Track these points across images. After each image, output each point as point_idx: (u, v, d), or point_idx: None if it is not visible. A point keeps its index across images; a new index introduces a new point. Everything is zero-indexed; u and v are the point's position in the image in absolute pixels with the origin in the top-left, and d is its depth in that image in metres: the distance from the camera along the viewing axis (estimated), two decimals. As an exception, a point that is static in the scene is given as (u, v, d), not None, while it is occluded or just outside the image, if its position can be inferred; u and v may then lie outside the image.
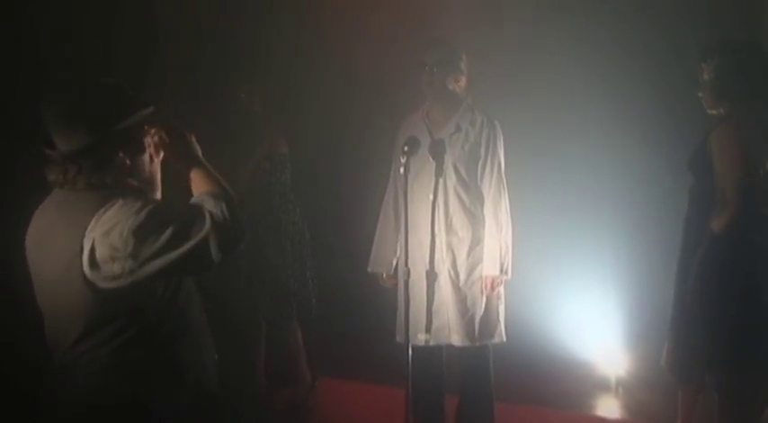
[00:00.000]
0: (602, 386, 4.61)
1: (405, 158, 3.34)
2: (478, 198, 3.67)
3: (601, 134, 4.58)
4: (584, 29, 4.47)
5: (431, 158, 3.61)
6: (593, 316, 4.73)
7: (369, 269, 3.88)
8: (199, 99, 4.35)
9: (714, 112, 3.28)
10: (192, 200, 2.21)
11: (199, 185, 2.26)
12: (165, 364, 2.21)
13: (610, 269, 4.62)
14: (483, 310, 3.67)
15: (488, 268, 3.64)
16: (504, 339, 3.75)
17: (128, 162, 2.21)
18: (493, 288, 3.66)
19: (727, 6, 4.22)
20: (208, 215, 2.10)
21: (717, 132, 3.18)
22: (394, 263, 3.81)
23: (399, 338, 3.66)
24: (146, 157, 2.27)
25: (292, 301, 4.20)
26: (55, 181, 2.18)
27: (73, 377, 2.16)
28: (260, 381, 4.34)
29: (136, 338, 2.16)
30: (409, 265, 3.40)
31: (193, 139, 2.35)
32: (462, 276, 3.66)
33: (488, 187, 3.65)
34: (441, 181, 3.61)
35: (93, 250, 2.07)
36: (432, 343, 3.67)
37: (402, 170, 3.35)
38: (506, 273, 3.65)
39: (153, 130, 2.29)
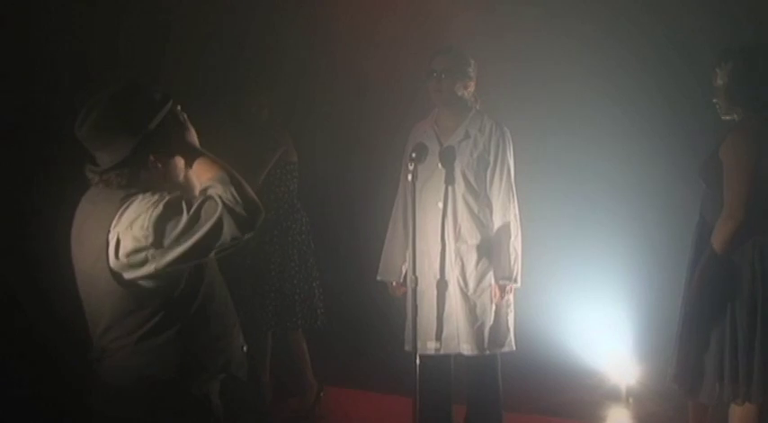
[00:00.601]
0: (613, 396, 4.58)
1: (412, 166, 3.32)
2: (488, 205, 3.65)
3: (612, 141, 4.55)
4: (594, 36, 4.45)
5: (440, 166, 3.60)
6: (604, 325, 4.71)
7: (378, 277, 3.87)
8: (208, 107, 4.35)
9: (728, 117, 3.24)
10: (202, 186, 2.26)
11: (204, 173, 2.29)
12: (193, 349, 2.31)
13: (621, 277, 4.59)
14: (493, 318, 3.65)
15: (498, 276, 3.62)
16: (514, 348, 3.72)
17: (159, 165, 2.28)
18: (502, 296, 3.64)
19: (740, 10, 4.18)
20: (218, 199, 2.16)
21: (729, 139, 3.14)
22: (403, 271, 3.79)
23: (408, 347, 3.62)
24: (177, 159, 2.34)
25: (298, 310, 4.18)
26: (91, 180, 2.30)
27: (105, 362, 2.30)
28: (265, 392, 4.31)
29: (163, 324, 2.25)
30: (417, 274, 3.38)
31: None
32: (472, 284, 3.64)
33: (497, 194, 3.63)
34: (450, 188, 3.60)
35: (117, 244, 2.18)
36: (442, 352, 3.65)
37: (410, 177, 3.33)
38: (516, 281, 3.63)
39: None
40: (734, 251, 3.12)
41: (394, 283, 3.83)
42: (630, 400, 4.54)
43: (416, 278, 3.37)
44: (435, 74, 3.62)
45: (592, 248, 4.66)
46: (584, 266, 4.70)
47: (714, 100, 3.25)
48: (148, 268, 2.18)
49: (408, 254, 3.60)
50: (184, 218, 2.14)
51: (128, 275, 2.20)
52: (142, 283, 2.21)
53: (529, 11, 4.55)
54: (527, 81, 4.58)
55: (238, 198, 2.16)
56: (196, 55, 4.49)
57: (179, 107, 2.35)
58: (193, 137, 2.36)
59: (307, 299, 4.21)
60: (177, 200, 2.19)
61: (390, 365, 3.88)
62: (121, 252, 2.18)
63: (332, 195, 5.06)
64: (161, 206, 2.16)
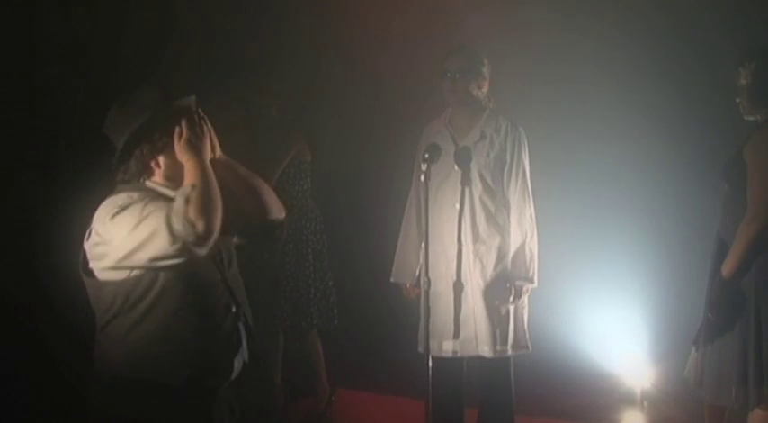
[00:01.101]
0: (627, 399, 4.53)
1: (425, 166, 3.30)
2: (504, 206, 3.63)
3: (629, 141, 4.51)
4: (611, 34, 4.40)
5: (456, 167, 3.58)
6: (619, 326, 4.66)
7: (391, 279, 3.85)
8: (218, 106, 4.33)
9: (751, 118, 3.20)
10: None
11: (185, 180, 2.30)
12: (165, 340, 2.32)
13: (636, 278, 4.54)
14: (511, 319, 3.63)
15: (515, 277, 3.60)
16: (530, 349, 3.70)
17: (153, 164, 2.36)
18: (519, 297, 3.62)
19: (758, 10, 4.13)
20: (161, 213, 2.19)
21: (754, 139, 3.10)
22: (417, 273, 3.76)
23: (421, 349, 3.59)
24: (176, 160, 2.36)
25: (313, 310, 4.15)
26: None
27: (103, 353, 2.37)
28: (277, 394, 4.28)
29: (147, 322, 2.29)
30: (432, 275, 3.35)
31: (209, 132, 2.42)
32: (491, 286, 3.61)
33: (514, 195, 3.62)
34: (467, 189, 3.57)
35: (89, 240, 2.29)
36: (459, 354, 3.63)
37: (423, 178, 3.30)
38: (533, 280, 3.61)
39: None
40: (757, 254, 3.06)
41: (408, 285, 3.81)
42: (645, 403, 4.49)
43: (429, 280, 3.33)
44: (449, 74, 3.59)
45: (606, 248, 4.63)
46: (599, 266, 4.66)
47: (737, 100, 3.21)
48: (106, 262, 2.24)
49: (422, 255, 3.57)
50: (132, 224, 2.19)
51: (91, 265, 2.29)
52: (108, 274, 2.26)
53: (543, 9, 4.51)
54: (540, 79, 4.54)
55: (188, 215, 2.15)
56: (206, 53, 4.46)
57: (196, 109, 2.37)
58: (199, 140, 2.34)
59: (322, 298, 4.18)
60: (141, 201, 2.24)
61: (403, 367, 3.86)
62: (90, 247, 2.29)
63: (343, 195, 5.04)
64: (123, 205, 2.23)
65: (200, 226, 2.15)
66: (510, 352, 3.64)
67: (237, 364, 2.46)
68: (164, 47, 4.24)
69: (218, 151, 2.44)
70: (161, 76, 3.93)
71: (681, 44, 4.39)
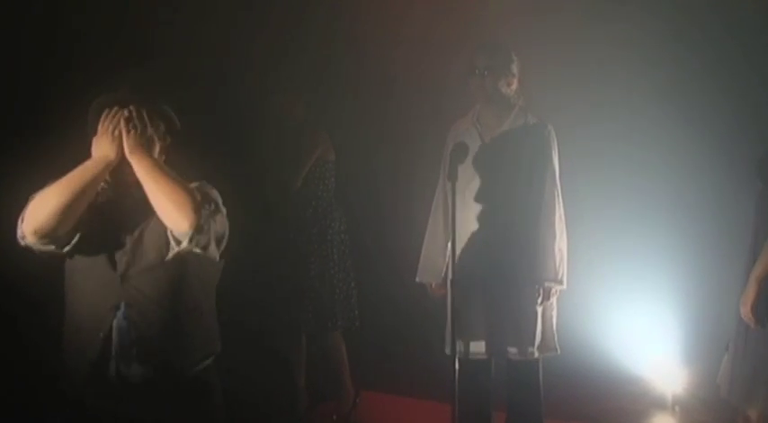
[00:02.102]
0: (658, 404, 4.47)
1: (452, 165, 3.26)
2: (533, 206, 3.57)
3: (661, 138, 4.44)
4: (646, 23, 4.31)
5: (483, 166, 3.53)
6: (649, 328, 4.60)
7: (417, 279, 3.81)
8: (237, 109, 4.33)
9: None
10: None
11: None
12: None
13: (667, 277, 4.46)
14: (540, 321, 3.58)
15: (543, 278, 3.54)
16: (559, 352, 3.65)
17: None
18: (548, 299, 3.56)
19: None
20: None
21: None
22: (443, 273, 3.72)
23: (449, 351, 3.54)
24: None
25: (338, 311, 4.13)
26: None
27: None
28: (301, 397, 4.27)
29: None
30: (457, 276, 3.29)
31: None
32: (520, 287, 3.57)
33: (542, 194, 3.56)
34: (494, 189, 3.53)
35: None
36: (487, 356, 3.59)
37: (449, 177, 3.27)
38: (562, 282, 3.56)
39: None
40: None
41: (433, 285, 3.77)
42: (677, 408, 4.43)
43: (456, 280, 3.27)
44: (478, 70, 3.55)
45: (637, 247, 4.57)
46: (629, 266, 4.60)
47: None
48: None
49: (448, 255, 3.55)
50: None
51: None
52: None
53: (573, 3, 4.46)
54: (570, 73, 4.47)
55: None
56: (221, 55, 4.44)
57: (119, 111, 2.34)
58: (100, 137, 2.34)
59: (345, 299, 4.16)
60: None
61: (428, 369, 3.81)
62: None
63: (364, 194, 5.00)
64: None
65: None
66: (538, 354, 3.59)
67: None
68: (173, 49, 4.21)
69: (139, 151, 2.34)
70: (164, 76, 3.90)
71: (722, 34, 4.27)
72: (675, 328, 4.53)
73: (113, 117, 2.32)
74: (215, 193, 2.43)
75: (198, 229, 2.24)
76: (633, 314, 4.62)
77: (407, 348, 4.87)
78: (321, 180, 4.11)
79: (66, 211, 2.26)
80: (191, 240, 2.26)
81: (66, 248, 2.33)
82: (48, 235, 2.28)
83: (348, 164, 4.34)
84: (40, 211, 2.26)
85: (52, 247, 2.32)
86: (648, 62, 4.40)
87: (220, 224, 2.36)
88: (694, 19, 4.31)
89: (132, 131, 2.32)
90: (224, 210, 2.42)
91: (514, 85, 3.60)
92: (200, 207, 2.25)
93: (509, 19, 4.24)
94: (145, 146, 2.33)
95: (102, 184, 2.36)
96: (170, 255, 2.34)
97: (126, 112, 2.32)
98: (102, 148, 2.32)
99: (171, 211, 2.25)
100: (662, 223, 4.50)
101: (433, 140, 3.77)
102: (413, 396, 4.54)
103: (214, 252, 2.36)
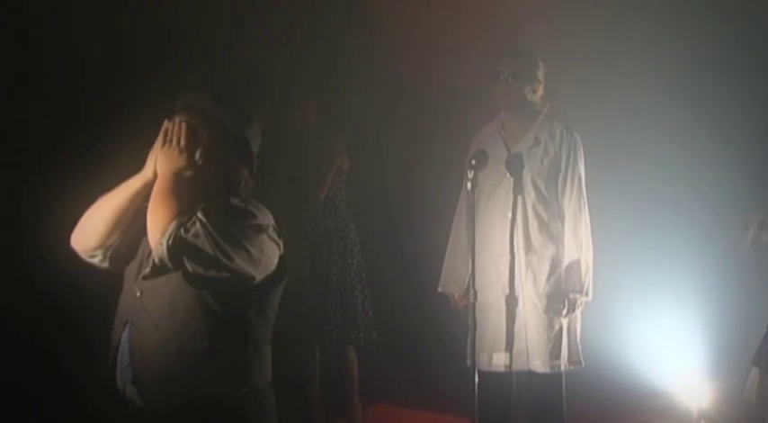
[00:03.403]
0: (683, 420, 4.36)
1: (472, 173, 3.15)
2: (558, 215, 3.53)
3: (687, 145, 4.37)
4: (673, 25, 4.27)
5: (508, 174, 3.46)
6: (675, 341, 4.51)
7: (439, 289, 3.75)
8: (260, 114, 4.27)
9: None
10: None
11: None
12: None
13: (693, 287, 4.39)
14: (564, 333, 3.51)
15: (569, 289, 3.48)
16: (583, 364, 3.58)
17: None
18: (573, 310, 3.50)
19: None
20: None
21: None
22: (466, 283, 3.64)
23: (470, 363, 3.45)
24: None
25: (360, 323, 4.08)
26: None
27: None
28: (315, 412, 4.20)
29: None
30: (479, 286, 3.22)
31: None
32: (544, 298, 3.50)
33: (568, 203, 3.50)
34: (519, 198, 3.46)
35: None
36: (511, 368, 3.51)
37: (469, 186, 3.14)
38: (587, 293, 3.49)
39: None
40: None
41: (456, 296, 3.71)
42: (703, 423, 4.36)
43: (476, 291, 3.18)
44: (502, 77, 3.50)
45: (662, 257, 4.54)
46: (654, 277, 4.56)
47: None
48: None
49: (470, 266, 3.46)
50: None
51: None
52: None
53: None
54: (596, 77, 4.42)
55: None
56: (237, 60, 4.41)
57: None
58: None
59: (364, 310, 4.11)
60: None
61: (445, 382, 3.72)
62: None
63: (377, 204, 4.95)
64: None
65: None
66: (563, 367, 3.52)
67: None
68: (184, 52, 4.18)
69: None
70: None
71: (751, 36, 4.23)
72: (701, 340, 4.45)
73: (165, 133, 2.27)
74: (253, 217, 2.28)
75: (159, 246, 2.15)
76: (657, 326, 4.55)
77: (422, 360, 4.82)
78: (339, 190, 4.11)
79: (104, 227, 2.30)
80: (157, 254, 2.17)
81: (104, 263, 2.37)
82: (86, 250, 2.35)
83: (359, 171, 4.30)
84: (82, 226, 2.33)
85: (96, 261, 2.37)
86: (678, 67, 4.36)
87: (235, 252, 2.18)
88: (723, 21, 4.28)
89: (168, 146, 2.25)
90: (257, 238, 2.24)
91: (540, 92, 3.55)
92: (166, 226, 2.14)
93: (537, 22, 4.22)
94: (175, 161, 2.25)
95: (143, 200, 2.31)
96: (146, 270, 2.26)
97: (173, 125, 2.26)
98: (148, 163, 2.30)
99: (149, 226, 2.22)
100: (689, 233, 4.46)
101: (462, 147, 3.70)
102: (430, 409, 4.47)
103: (200, 272, 2.18)
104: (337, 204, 4.09)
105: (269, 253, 2.26)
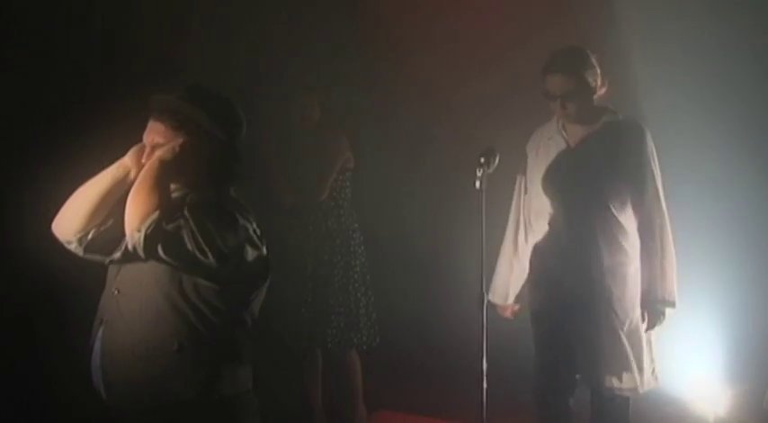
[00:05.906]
0: (699, 427, 4.37)
1: (480, 171, 2.95)
2: (628, 217, 3.28)
3: (715, 144, 4.26)
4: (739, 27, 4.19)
5: (570, 175, 3.29)
6: (690, 345, 4.43)
7: (488, 298, 3.52)
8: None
9: None
10: None
11: None
12: None
13: (710, 289, 4.27)
14: (645, 349, 3.38)
15: (649, 300, 3.29)
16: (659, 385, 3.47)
17: None
18: (654, 324, 3.32)
19: None
20: None
21: None
22: (517, 291, 3.55)
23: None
24: None
25: (362, 326, 4.04)
26: None
27: None
28: (318, 418, 4.16)
29: None
30: (535, 298, 3.28)
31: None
32: (621, 311, 3.30)
33: (641, 203, 3.26)
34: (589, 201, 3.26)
35: None
36: (573, 387, 3.43)
37: (478, 185, 2.94)
38: (673, 304, 3.31)
39: None
40: None
41: (504, 304, 3.59)
42: (719, 432, 4.34)
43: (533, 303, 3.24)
44: (556, 99, 3.22)
45: (678, 260, 4.34)
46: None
47: None
48: None
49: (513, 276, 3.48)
50: None
51: None
52: None
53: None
54: (659, 77, 4.27)
55: None
56: (239, 54, 4.32)
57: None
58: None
59: (367, 314, 4.08)
60: None
61: (452, 388, 3.64)
62: None
63: (382, 205, 4.85)
64: None
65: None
66: (647, 387, 3.37)
67: None
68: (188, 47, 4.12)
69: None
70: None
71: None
72: (718, 345, 4.40)
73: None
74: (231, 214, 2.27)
75: (136, 232, 2.15)
76: (672, 330, 4.32)
77: (428, 365, 4.76)
78: (342, 189, 4.06)
79: (80, 213, 2.31)
80: (132, 240, 2.17)
81: (79, 250, 2.35)
82: (63, 235, 2.35)
83: (362, 171, 4.25)
84: (62, 213, 2.35)
85: (72, 247, 2.36)
86: (733, 70, 4.27)
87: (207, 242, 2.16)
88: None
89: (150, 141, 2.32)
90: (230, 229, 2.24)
91: (600, 92, 3.28)
92: (147, 215, 2.15)
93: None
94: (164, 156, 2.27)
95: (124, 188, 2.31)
96: (116, 254, 2.29)
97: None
98: (130, 153, 2.35)
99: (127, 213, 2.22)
100: (704, 234, 4.32)
101: (457, 144, 3.66)
102: (436, 416, 4.39)
103: (175, 260, 2.17)
104: (341, 203, 4.04)
105: (246, 255, 2.25)
